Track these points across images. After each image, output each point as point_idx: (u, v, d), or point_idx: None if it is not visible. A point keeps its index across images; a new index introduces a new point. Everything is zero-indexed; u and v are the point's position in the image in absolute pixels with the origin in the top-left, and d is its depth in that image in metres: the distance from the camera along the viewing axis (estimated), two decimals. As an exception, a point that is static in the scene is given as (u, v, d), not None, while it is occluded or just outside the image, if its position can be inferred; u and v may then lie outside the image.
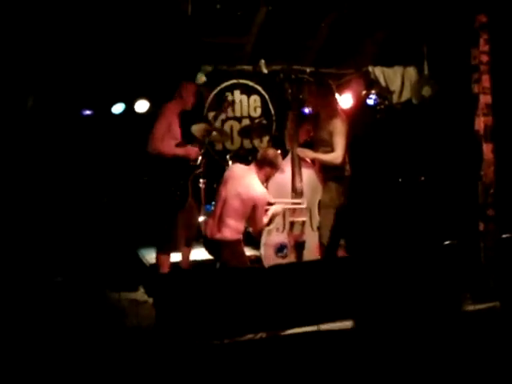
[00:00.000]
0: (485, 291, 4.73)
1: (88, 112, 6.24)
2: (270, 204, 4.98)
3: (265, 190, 4.83)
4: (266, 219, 4.86)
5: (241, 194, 4.75)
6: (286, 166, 5.11)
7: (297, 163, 5.10)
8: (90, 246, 5.77)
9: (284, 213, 5.04)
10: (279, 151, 5.34)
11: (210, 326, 3.73)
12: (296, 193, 5.09)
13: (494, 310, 4.42)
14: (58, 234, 5.79)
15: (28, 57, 5.69)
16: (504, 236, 4.81)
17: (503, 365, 3.58)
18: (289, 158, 5.15)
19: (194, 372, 3.40)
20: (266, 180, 4.90)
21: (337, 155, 5.04)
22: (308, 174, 5.13)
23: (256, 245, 5.18)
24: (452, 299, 4.20)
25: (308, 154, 5.15)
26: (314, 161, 5.21)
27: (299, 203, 5.06)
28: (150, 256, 5.71)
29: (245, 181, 4.82)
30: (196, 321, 3.71)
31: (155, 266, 5.34)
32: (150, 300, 4.82)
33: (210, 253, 5.04)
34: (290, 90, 5.33)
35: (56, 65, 5.94)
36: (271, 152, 4.92)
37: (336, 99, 5.33)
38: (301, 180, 5.08)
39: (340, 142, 5.04)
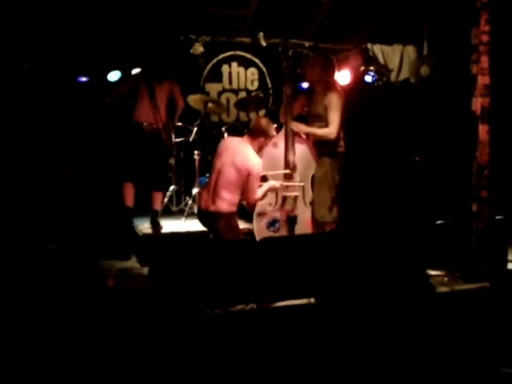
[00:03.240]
0: (476, 271, 4.77)
1: (84, 79, 6.18)
2: (264, 178, 4.99)
3: (260, 160, 4.83)
4: (261, 193, 4.87)
5: (236, 163, 4.75)
6: (280, 140, 5.08)
7: (290, 137, 5.06)
8: (84, 214, 5.76)
9: (277, 188, 5.04)
10: (275, 125, 5.34)
11: (202, 295, 3.74)
12: (289, 167, 5.07)
13: (484, 290, 4.46)
14: (52, 202, 5.77)
15: (24, 23, 5.61)
16: (497, 217, 4.84)
17: (490, 343, 3.64)
18: (283, 132, 5.12)
19: (185, 341, 3.43)
20: (259, 150, 4.91)
21: (331, 130, 5.01)
22: (301, 149, 5.10)
23: (250, 218, 5.18)
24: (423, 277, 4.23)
25: (302, 128, 5.11)
26: (308, 135, 5.18)
27: (290, 174, 5.04)
28: (142, 226, 5.72)
29: (240, 151, 4.83)
30: (188, 290, 3.72)
31: (148, 236, 5.37)
32: (142, 269, 4.84)
33: (204, 225, 5.05)
34: (285, 64, 5.27)
35: (52, 31, 5.87)
36: (264, 121, 4.99)
37: (333, 73, 5.28)
38: (294, 154, 5.05)
39: (335, 117, 4.99)
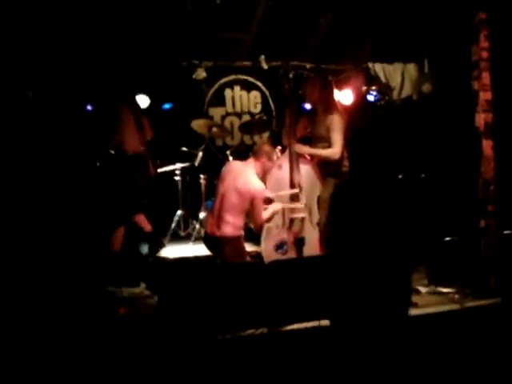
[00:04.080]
0: (486, 287, 4.74)
1: (89, 107, 6.24)
2: (270, 200, 5.00)
3: (262, 183, 4.85)
4: (265, 215, 4.88)
5: (239, 187, 4.77)
6: (285, 162, 5.10)
7: (295, 159, 5.09)
8: (90, 241, 5.77)
9: (284, 210, 5.04)
10: (279, 147, 5.36)
11: (212, 321, 3.73)
12: (295, 188, 5.08)
13: (495, 306, 4.43)
14: (58, 229, 5.78)
15: (28, 51, 5.67)
16: (505, 232, 4.83)
17: (503, 360, 3.61)
18: (287, 153, 5.14)
19: (195, 367, 3.41)
20: (263, 174, 4.93)
21: (334, 151, 5.03)
22: (306, 170, 5.11)
23: (257, 241, 5.18)
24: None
25: (305, 149, 5.13)
26: (312, 157, 5.20)
27: (297, 196, 5.04)
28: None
29: (242, 175, 4.85)
30: (198, 316, 3.71)
31: (157, 261, 5.37)
32: (151, 295, 4.83)
33: (210, 249, 5.05)
34: (287, 86, 5.31)
35: (56, 59, 5.93)
36: (267, 146, 5.03)
37: (333, 94, 5.32)
38: (299, 175, 5.07)
39: (338, 138, 5.02)
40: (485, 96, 5.01)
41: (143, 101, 6.34)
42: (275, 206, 4.96)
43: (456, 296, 4.74)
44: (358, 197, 5.75)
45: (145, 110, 6.31)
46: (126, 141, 5.46)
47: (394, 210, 6.28)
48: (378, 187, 6.43)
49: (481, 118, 4.99)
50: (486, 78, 5.02)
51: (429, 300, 4.66)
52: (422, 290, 4.94)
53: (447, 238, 5.31)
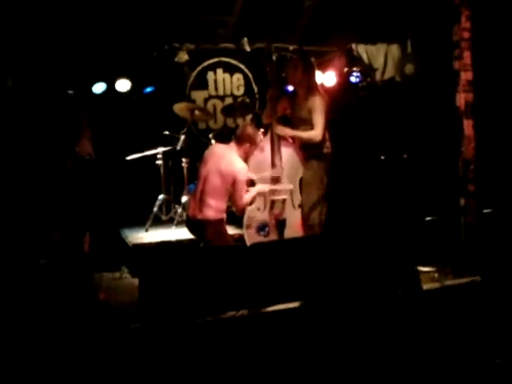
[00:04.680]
0: (466, 266, 4.78)
1: (69, 91, 6.17)
2: (252, 182, 4.99)
3: (245, 165, 4.84)
4: (249, 197, 4.87)
5: (221, 169, 4.76)
6: (266, 144, 5.08)
7: (276, 141, 5.07)
8: (72, 226, 5.74)
9: (265, 192, 5.04)
10: (262, 130, 5.34)
11: (194, 304, 3.73)
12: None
13: (475, 284, 4.47)
14: (41, 216, 5.75)
15: (6, 39, 5.60)
16: (485, 211, 4.86)
17: (482, 336, 3.65)
18: (268, 136, 5.13)
19: (176, 349, 3.42)
20: (245, 157, 4.91)
21: (316, 133, 5.01)
22: (288, 153, 5.10)
23: (240, 224, 5.18)
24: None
25: (287, 131, 5.11)
26: (294, 139, 5.18)
27: (278, 177, 5.03)
28: (132, 236, 5.72)
29: (225, 157, 4.84)
30: (179, 299, 3.72)
31: (139, 246, 5.35)
32: (133, 280, 4.83)
33: (193, 233, 5.04)
34: (268, 68, 5.28)
35: (34, 45, 5.86)
36: (250, 128, 4.98)
37: (315, 76, 5.29)
38: (280, 157, 5.05)
39: (319, 120, 5.00)
40: (466, 76, 5.01)
41: (124, 84, 6.28)
42: (259, 187, 4.95)
43: (436, 274, 4.79)
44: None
45: (125, 93, 6.28)
46: (81, 142, 5.52)
47: (378, 191, 6.32)
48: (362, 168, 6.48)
49: (461, 98, 5.00)
50: (467, 57, 5.03)
51: (410, 279, 4.67)
52: (404, 268, 4.97)
53: (428, 218, 5.34)
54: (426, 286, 4.46)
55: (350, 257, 4.12)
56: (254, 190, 4.94)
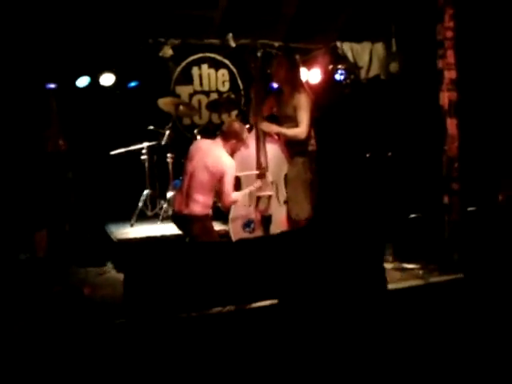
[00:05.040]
0: (449, 263, 4.83)
1: (52, 85, 6.10)
2: (237, 178, 4.99)
3: (232, 160, 4.84)
4: (238, 195, 4.88)
5: (208, 165, 4.75)
6: (251, 140, 5.09)
7: (261, 138, 5.08)
8: (56, 222, 5.69)
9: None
10: (247, 126, 5.34)
11: (178, 299, 3.73)
12: (260, 167, 5.08)
13: (458, 281, 4.51)
14: (23, 210, 5.69)
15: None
16: (469, 209, 4.91)
17: (465, 332, 3.69)
18: (254, 132, 5.13)
19: (161, 345, 3.41)
20: (231, 153, 4.91)
21: (301, 130, 5.03)
22: (273, 149, 5.11)
23: (225, 220, 5.18)
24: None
25: (273, 128, 5.13)
26: (279, 136, 5.20)
27: (263, 174, 5.04)
28: (117, 231, 5.69)
29: (211, 153, 4.84)
30: (164, 294, 3.71)
31: (124, 241, 5.33)
32: (118, 275, 4.80)
33: (179, 228, 5.04)
34: (253, 64, 5.28)
35: (16, 37, 5.78)
36: (236, 124, 4.98)
37: (300, 73, 5.31)
38: (265, 154, 5.07)
39: (304, 117, 5.01)
40: (449, 75, 5.05)
41: (108, 79, 6.23)
42: (251, 188, 4.97)
43: (420, 272, 4.83)
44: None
45: (109, 87, 6.23)
46: (50, 136, 5.46)
47: (362, 189, 6.35)
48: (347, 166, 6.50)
49: (445, 97, 5.04)
50: (450, 56, 5.06)
51: (394, 276, 4.71)
52: (388, 266, 4.97)
53: (412, 215, 5.39)
54: (410, 283, 4.53)
55: (328, 252, 4.13)
56: (245, 191, 4.97)
